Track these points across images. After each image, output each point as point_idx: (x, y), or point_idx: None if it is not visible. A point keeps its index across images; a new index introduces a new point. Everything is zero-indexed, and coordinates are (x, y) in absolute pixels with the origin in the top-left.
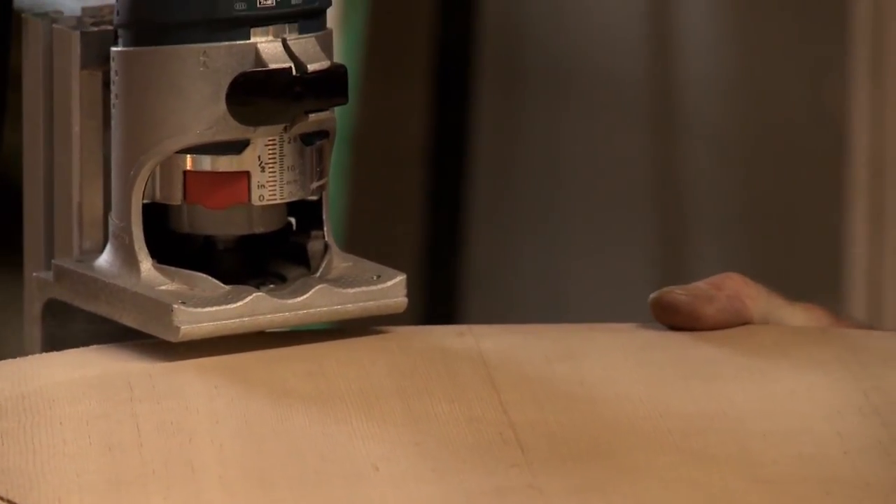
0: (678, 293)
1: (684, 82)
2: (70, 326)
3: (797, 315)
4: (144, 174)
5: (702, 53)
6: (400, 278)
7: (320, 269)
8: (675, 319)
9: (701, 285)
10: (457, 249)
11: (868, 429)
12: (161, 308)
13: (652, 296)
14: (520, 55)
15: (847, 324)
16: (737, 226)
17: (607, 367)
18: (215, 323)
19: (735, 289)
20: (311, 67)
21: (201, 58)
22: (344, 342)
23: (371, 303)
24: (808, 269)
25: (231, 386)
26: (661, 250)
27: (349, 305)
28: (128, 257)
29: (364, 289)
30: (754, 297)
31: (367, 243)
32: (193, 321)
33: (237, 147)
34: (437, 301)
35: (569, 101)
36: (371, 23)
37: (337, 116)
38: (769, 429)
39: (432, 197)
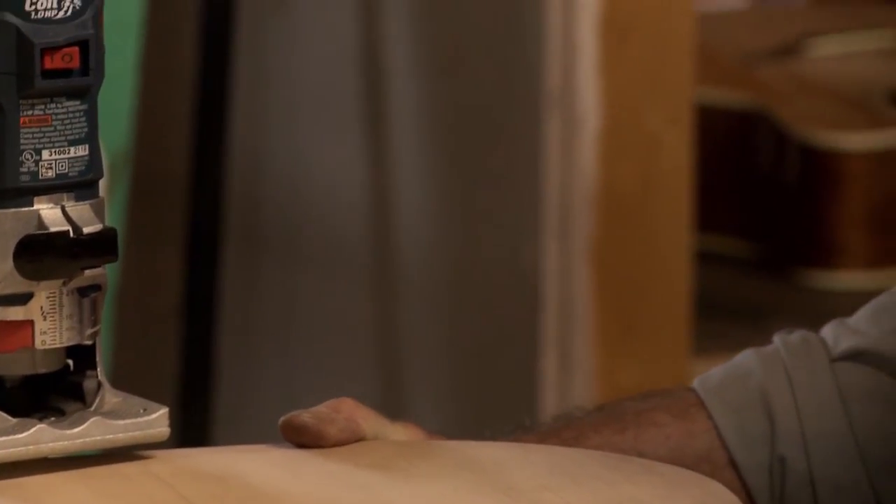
0: (305, 416)
1: (402, 244)
2: None
3: (398, 431)
4: None
5: (419, 220)
6: (163, 411)
7: (94, 404)
8: (304, 439)
9: (322, 409)
10: (209, 387)
11: None
12: None
13: (282, 419)
14: (261, 224)
15: (438, 437)
16: (445, 365)
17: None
18: (5, 451)
19: (350, 411)
20: (86, 230)
21: None
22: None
23: (139, 433)
24: (505, 404)
25: None
26: (384, 389)
27: (120, 435)
28: None
29: (132, 420)
30: (366, 418)
31: (133, 381)
32: None
33: (23, 298)
34: (194, 430)
35: (302, 261)
36: (132, 196)
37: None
38: None
39: (187, 343)
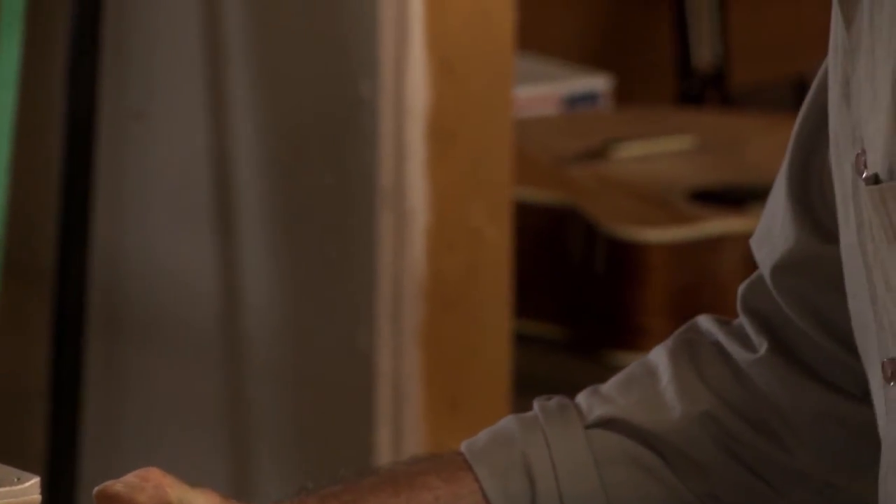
0: (117, 486)
1: (250, 329)
2: None
3: (199, 496)
4: None
5: (265, 306)
6: (35, 480)
7: None
8: None
9: (132, 478)
10: (74, 467)
11: None
12: None
13: (96, 489)
14: (121, 311)
15: (232, 500)
16: (290, 439)
17: None
18: None
19: (157, 479)
20: None
21: None
22: None
23: (12, 500)
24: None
25: None
26: (235, 462)
27: None
28: None
29: (7, 489)
30: (171, 485)
31: (4, 453)
32: None
33: None
34: (62, 500)
35: (159, 345)
36: (2, 284)
37: None
38: None
39: (53, 423)
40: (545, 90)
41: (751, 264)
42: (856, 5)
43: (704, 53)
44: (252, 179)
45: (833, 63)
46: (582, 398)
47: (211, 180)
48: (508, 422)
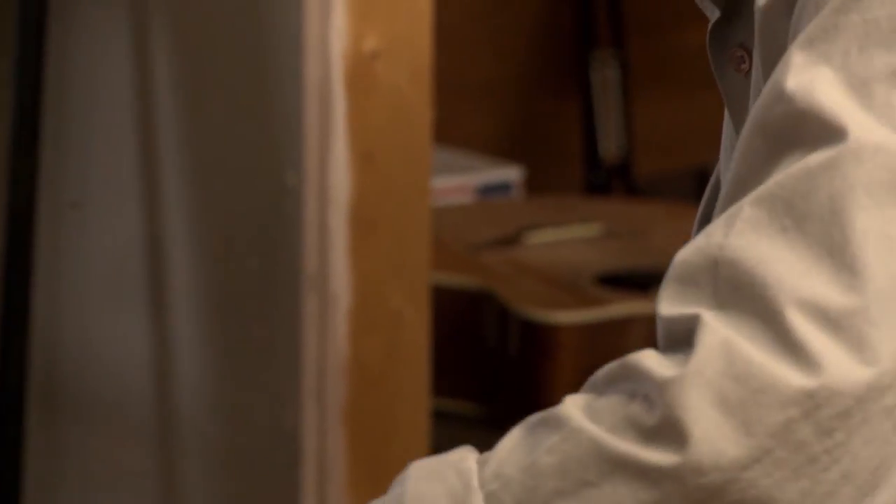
0: None
1: (181, 408)
2: None
3: None
4: None
5: (195, 387)
6: None
7: None
8: None
9: None
10: None
11: None
12: None
13: None
14: (60, 391)
15: None
16: None
17: None
18: None
19: None
20: None
21: None
22: None
23: None
24: None
25: None
26: None
27: None
28: None
29: None
30: None
31: None
32: None
33: None
34: None
35: (96, 423)
36: None
37: None
38: None
39: None
40: (460, 180)
41: (655, 344)
42: (742, 105)
43: (611, 145)
44: (184, 265)
45: (724, 157)
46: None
47: (144, 266)
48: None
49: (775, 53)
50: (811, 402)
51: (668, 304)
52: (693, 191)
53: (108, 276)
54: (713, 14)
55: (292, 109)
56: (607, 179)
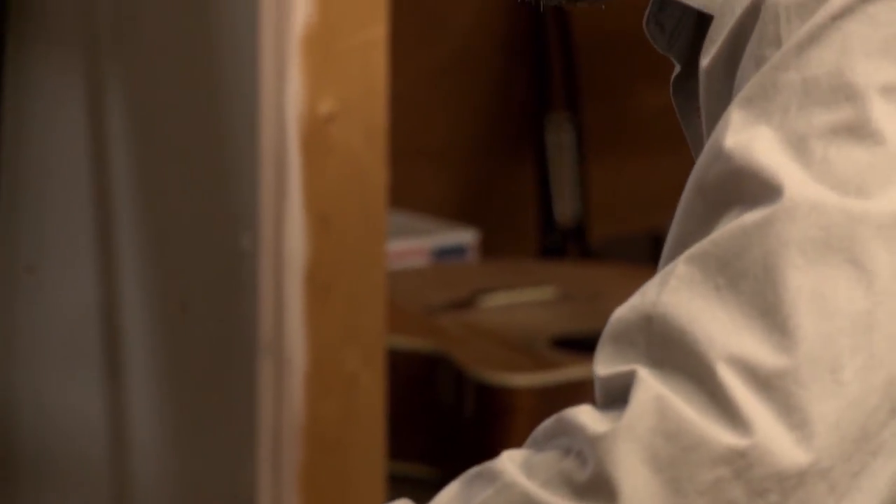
0: None
1: (137, 473)
2: None
3: None
4: None
5: (151, 452)
6: None
7: None
8: None
9: None
10: None
11: None
12: None
13: None
14: (16, 456)
15: None
16: None
17: None
18: None
19: None
20: None
21: None
22: None
23: None
24: None
25: None
26: None
27: None
28: None
29: None
30: None
31: None
32: None
33: None
34: None
35: (52, 488)
36: None
37: None
38: None
39: None
40: (416, 244)
41: None
42: None
43: (565, 208)
44: (139, 329)
45: None
46: None
47: (99, 330)
48: None
49: (719, 112)
50: (742, 462)
51: (605, 364)
52: (648, 254)
53: (63, 340)
54: (676, 67)
55: (248, 172)
56: (562, 243)
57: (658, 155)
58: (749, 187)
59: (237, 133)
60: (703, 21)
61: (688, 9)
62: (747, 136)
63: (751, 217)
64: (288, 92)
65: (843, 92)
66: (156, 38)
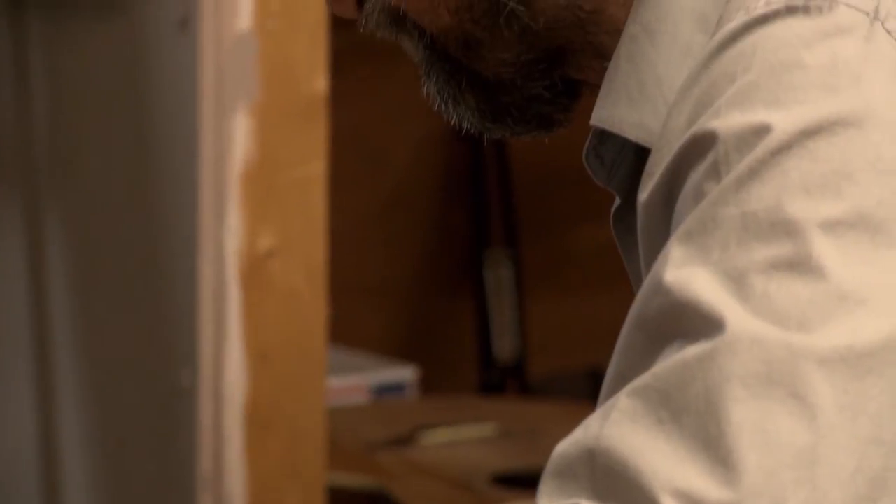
0: None
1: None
2: None
3: None
4: None
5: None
6: None
7: None
8: None
9: None
10: None
11: None
12: None
13: None
14: None
15: None
16: None
17: None
18: None
19: None
20: None
21: None
22: None
23: None
24: None
25: None
26: None
27: None
28: None
29: None
30: None
31: None
32: None
33: None
34: None
35: None
36: None
37: None
38: None
39: None
40: (355, 380)
41: None
42: None
43: (505, 345)
44: (77, 465)
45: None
46: None
47: (37, 466)
48: None
49: (657, 246)
50: None
51: (548, 499)
52: (587, 390)
53: (0, 477)
54: (616, 199)
55: (187, 308)
56: (501, 379)
57: (596, 291)
58: (690, 321)
59: (177, 269)
60: (642, 153)
61: (627, 142)
62: (687, 271)
63: (692, 351)
64: (227, 227)
65: (783, 227)
66: (95, 174)
